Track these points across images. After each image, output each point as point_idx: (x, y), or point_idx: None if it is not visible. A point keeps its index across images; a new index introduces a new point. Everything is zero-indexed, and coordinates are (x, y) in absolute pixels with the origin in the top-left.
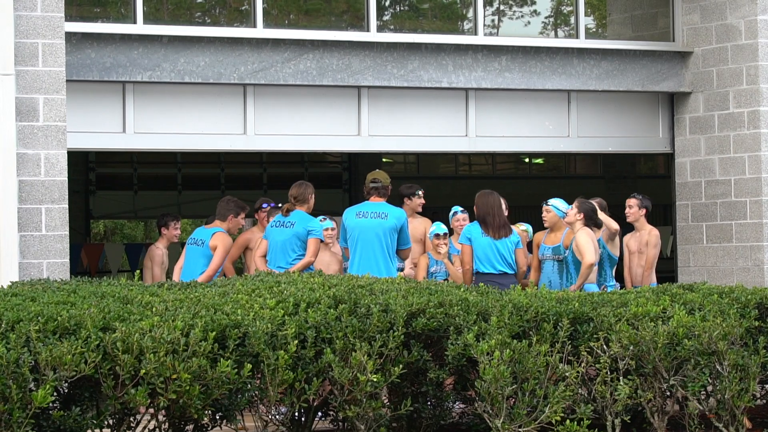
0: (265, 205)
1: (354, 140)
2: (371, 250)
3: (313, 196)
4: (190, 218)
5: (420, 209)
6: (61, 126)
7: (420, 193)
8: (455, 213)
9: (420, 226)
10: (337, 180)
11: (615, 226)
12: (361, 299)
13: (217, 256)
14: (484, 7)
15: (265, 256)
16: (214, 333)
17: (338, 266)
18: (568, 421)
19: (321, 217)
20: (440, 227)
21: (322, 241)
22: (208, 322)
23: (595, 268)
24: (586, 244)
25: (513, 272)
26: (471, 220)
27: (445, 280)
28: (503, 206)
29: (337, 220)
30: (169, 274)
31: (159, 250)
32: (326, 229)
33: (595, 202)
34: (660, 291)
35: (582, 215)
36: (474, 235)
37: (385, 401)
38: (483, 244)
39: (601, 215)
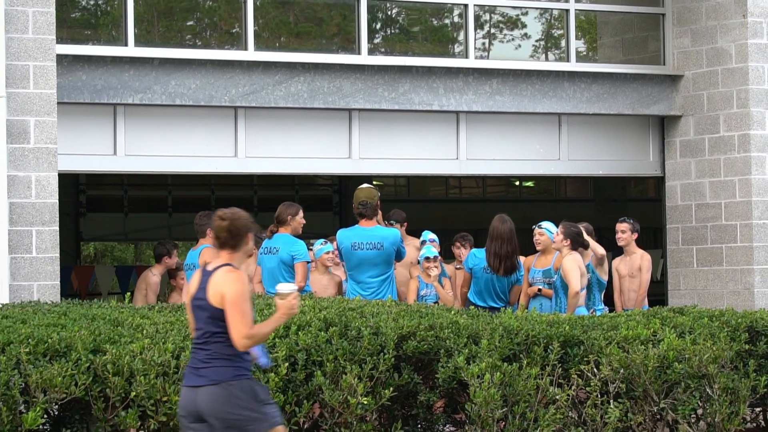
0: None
1: (345, 163)
2: (368, 277)
3: (296, 217)
4: (180, 240)
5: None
6: (52, 148)
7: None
8: (423, 242)
9: (410, 250)
10: (327, 203)
11: (601, 251)
12: (352, 322)
13: None
14: (475, 30)
15: (261, 281)
16: None
17: (335, 290)
18: None
19: (321, 241)
20: (430, 250)
21: (309, 262)
22: None
23: (584, 292)
24: (572, 271)
25: (502, 305)
26: (474, 245)
27: (435, 303)
28: (514, 236)
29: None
30: (160, 300)
31: (156, 277)
32: (327, 253)
33: (581, 227)
34: (650, 314)
35: (568, 241)
36: (476, 265)
37: (376, 424)
38: (482, 279)
39: (588, 240)
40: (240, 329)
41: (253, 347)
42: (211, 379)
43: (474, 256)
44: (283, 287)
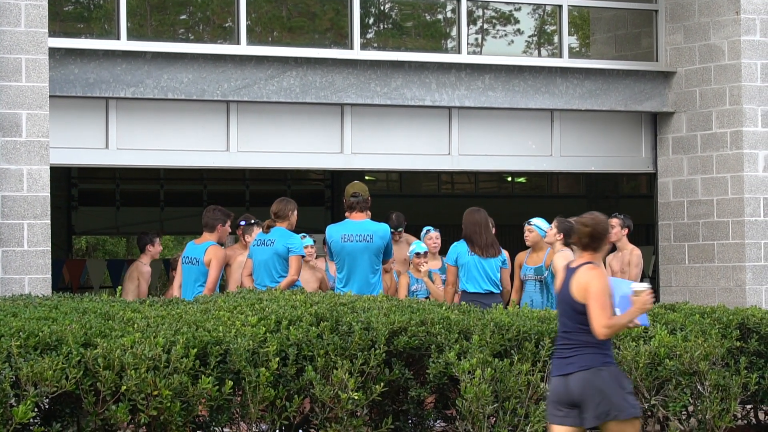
0: (242, 222)
1: (337, 158)
2: (359, 273)
3: (295, 212)
4: (172, 234)
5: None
6: (44, 141)
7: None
8: (428, 231)
9: (404, 247)
10: (319, 197)
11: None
12: (343, 317)
13: (212, 270)
14: (468, 25)
15: (251, 275)
16: (195, 350)
17: (317, 284)
18: None
19: (301, 235)
20: (420, 246)
21: (303, 257)
22: (190, 338)
23: None
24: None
25: (499, 291)
26: (456, 239)
27: (426, 298)
28: (490, 224)
29: (318, 238)
30: (150, 291)
31: (147, 267)
32: (306, 247)
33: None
34: None
35: (561, 235)
36: (460, 253)
37: (366, 419)
38: (469, 263)
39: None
40: (600, 320)
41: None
42: (580, 366)
43: (454, 248)
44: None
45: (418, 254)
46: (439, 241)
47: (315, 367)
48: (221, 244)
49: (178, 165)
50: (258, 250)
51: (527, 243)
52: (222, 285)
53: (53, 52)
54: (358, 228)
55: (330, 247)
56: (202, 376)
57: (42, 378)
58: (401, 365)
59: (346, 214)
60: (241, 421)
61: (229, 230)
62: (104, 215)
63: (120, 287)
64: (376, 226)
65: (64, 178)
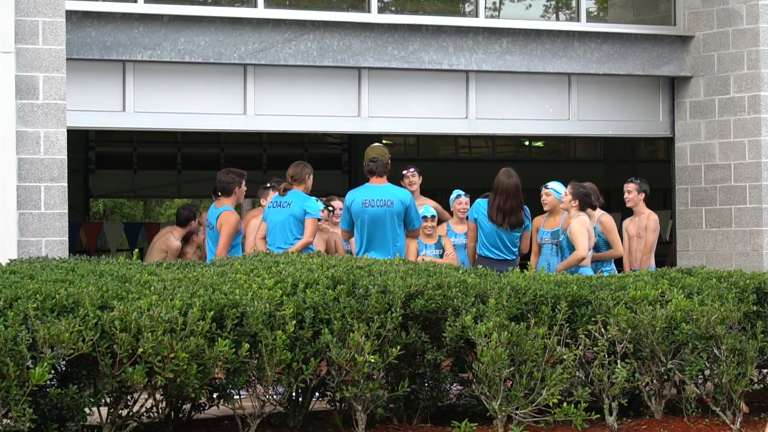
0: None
1: (354, 121)
2: (380, 238)
3: (311, 176)
4: (189, 198)
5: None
6: (61, 104)
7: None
8: (458, 196)
9: None
10: (337, 161)
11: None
12: (360, 280)
13: (223, 235)
14: None
15: (265, 237)
16: (212, 312)
17: (323, 247)
18: (565, 404)
19: (314, 199)
20: (428, 209)
21: (319, 220)
22: (206, 301)
23: (591, 252)
24: (579, 234)
25: (514, 258)
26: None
27: None
28: (520, 192)
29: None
30: None
31: (177, 242)
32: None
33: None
34: (659, 275)
35: (577, 201)
36: (480, 215)
37: (383, 382)
38: (488, 229)
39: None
40: None
41: None
42: None
43: (478, 206)
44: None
45: (425, 218)
46: (468, 206)
47: (331, 330)
48: (239, 205)
49: (195, 128)
50: (274, 212)
51: (544, 207)
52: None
53: (70, 14)
54: (378, 192)
55: (349, 211)
56: (219, 338)
57: (59, 340)
58: (418, 328)
59: (368, 177)
60: (258, 384)
61: (245, 189)
62: (121, 178)
63: (137, 250)
64: (397, 190)
65: (81, 141)
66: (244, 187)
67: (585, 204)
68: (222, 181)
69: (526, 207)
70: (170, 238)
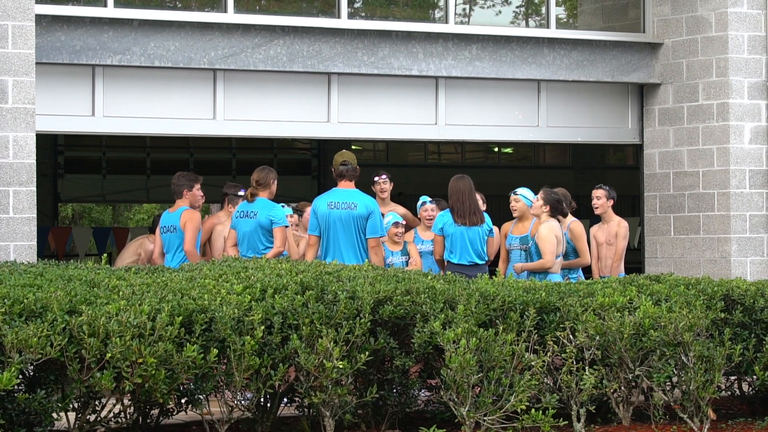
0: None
1: (323, 127)
2: (341, 240)
3: (276, 181)
4: (158, 203)
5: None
6: (29, 108)
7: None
8: (423, 203)
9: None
10: (306, 167)
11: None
12: (328, 286)
13: (187, 231)
14: None
15: (236, 245)
16: (180, 318)
17: (293, 252)
18: (533, 410)
19: (281, 204)
20: (396, 216)
21: (287, 227)
22: (175, 306)
23: (559, 259)
24: (547, 241)
25: (483, 262)
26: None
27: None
28: (474, 192)
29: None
30: None
31: (152, 245)
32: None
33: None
34: (627, 282)
35: (548, 207)
36: (446, 223)
37: (351, 388)
38: (454, 234)
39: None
40: None
41: None
42: None
43: (441, 217)
44: None
45: (396, 224)
46: (435, 213)
47: (300, 336)
48: (194, 207)
49: (164, 133)
50: (242, 222)
51: (514, 214)
52: (204, 254)
53: (40, 18)
54: (345, 196)
55: (315, 215)
56: (187, 344)
57: (26, 345)
58: (386, 334)
59: (337, 181)
60: (226, 390)
61: (199, 194)
62: (90, 183)
63: (106, 255)
64: (362, 196)
65: (50, 146)
66: (196, 191)
67: (556, 210)
68: (173, 183)
69: (486, 214)
70: (146, 242)
